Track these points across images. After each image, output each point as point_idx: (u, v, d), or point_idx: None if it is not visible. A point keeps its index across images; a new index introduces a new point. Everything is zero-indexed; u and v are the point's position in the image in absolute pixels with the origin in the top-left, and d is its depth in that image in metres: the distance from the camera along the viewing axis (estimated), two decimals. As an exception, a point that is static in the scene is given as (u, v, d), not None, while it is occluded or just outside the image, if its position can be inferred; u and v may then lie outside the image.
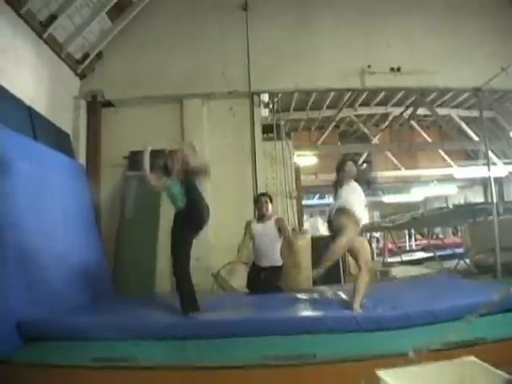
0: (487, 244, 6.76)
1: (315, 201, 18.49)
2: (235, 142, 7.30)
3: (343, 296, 4.68)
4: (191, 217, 4.53)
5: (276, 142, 7.46)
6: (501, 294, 2.64)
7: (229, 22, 7.53)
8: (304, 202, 15.43)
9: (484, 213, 7.47)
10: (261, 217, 5.72)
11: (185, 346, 3.44)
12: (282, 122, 8.09)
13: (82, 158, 7.22)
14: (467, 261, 8.10)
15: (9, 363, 3.34)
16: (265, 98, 7.90)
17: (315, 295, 5.06)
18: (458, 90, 8.39)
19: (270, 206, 5.70)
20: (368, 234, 15.50)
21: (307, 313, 4.29)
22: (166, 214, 6.79)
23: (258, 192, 6.44)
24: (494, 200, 6.85)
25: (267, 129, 7.61)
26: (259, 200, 5.77)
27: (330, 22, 7.62)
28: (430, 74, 7.38)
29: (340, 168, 4.64)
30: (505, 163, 15.50)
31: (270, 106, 8.09)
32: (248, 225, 5.77)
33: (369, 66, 7.34)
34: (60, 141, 6.57)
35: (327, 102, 13.97)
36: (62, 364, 3.28)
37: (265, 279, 5.48)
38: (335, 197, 4.60)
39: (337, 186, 4.63)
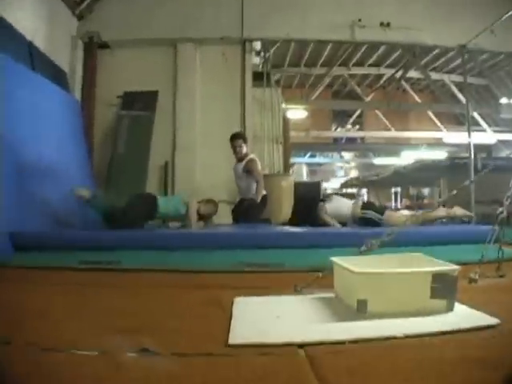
0: (464, 198, 7.10)
1: (306, 159, 18.55)
2: (226, 87, 7.55)
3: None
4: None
5: (265, 88, 7.72)
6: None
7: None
8: (294, 159, 15.77)
9: (464, 169, 7.78)
10: (237, 158, 5.98)
11: (166, 254, 3.79)
12: (273, 73, 8.29)
13: (77, 96, 7.45)
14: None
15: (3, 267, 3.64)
16: (257, 46, 8.10)
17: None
18: (445, 48, 8.51)
19: (243, 148, 5.86)
20: (355, 190, 15.87)
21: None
22: (156, 151, 7.18)
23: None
24: (472, 156, 7.19)
25: (257, 76, 7.86)
26: (231, 144, 5.95)
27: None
28: (418, 30, 7.58)
29: None
30: (494, 131, 15.75)
31: (262, 54, 8.29)
32: None
33: (359, 20, 7.54)
34: (57, 77, 6.79)
35: (322, 59, 14.09)
36: (52, 266, 3.58)
37: (247, 207, 5.76)
38: None
39: None
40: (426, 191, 22.36)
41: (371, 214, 4.66)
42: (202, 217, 5.41)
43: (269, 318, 1.97)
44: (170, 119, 7.50)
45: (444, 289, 1.94)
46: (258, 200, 5.58)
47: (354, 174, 21.26)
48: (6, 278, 3.35)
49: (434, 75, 14.34)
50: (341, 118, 19.02)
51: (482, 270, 2.90)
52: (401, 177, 10.28)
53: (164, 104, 7.46)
